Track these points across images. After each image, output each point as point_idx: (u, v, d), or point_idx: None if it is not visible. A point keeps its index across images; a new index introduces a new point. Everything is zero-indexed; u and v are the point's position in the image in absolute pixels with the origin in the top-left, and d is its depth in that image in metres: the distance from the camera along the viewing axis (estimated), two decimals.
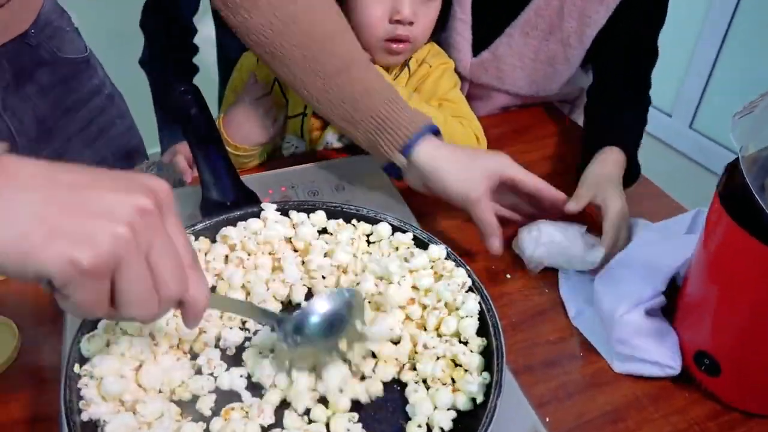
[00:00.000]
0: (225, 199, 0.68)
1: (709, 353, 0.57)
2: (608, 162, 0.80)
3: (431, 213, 0.80)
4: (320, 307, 0.52)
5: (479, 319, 0.57)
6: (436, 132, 0.71)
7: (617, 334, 0.61)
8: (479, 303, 0.57)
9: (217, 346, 0.55)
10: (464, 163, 0.69)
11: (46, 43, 0.83)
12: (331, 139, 0.94)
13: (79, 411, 0.47)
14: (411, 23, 0.82)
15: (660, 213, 0.76)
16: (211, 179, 0.69)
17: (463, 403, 0.51)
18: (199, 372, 0.53)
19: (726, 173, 0.54)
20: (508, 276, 0.73)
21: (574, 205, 0.73)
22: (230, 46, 1.13)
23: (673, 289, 0.64)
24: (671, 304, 0.63)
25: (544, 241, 0.71)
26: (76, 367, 0.49)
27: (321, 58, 0.69)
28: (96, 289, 0.35)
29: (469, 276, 0.59)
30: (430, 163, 0.69)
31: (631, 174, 0.83)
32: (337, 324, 0.52)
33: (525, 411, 0.54)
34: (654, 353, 0.60)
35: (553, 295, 0.71)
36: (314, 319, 0.52)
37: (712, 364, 0.57)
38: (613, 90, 0.93)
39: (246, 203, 0.68)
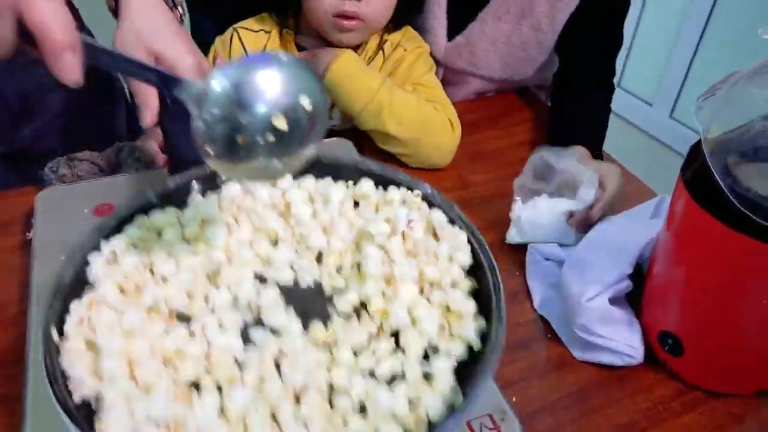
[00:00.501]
0: (191, 155, 0.63)
1: (673, 333, 0.58)
2: (583, 158, 0.82)
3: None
4: (257, 82, 0.40)
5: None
6: None
7: (580, 320, 0.61)
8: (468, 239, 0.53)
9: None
10: None
11: None
12: None
13: (70, 393, 0.42)
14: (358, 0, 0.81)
15: (635, 199, 0.76)
16: (176, 136, 0.64)
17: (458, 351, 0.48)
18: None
19: (689, 155, 0.54)
20: None
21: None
22: (204, 29, 1.12)
23: (639, 274, 0.64)
24: (637, 289, 0.64)
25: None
26: (55, 335, 0.44)
27: None
28: None
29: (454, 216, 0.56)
30: None
31: None
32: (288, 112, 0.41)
33: (491, 391, 0.54)
34: (615, 342, 0.60)
35: (523, 278, 0.71)
36: (247, 97, 0.40)
37: (676, 344, 0.58)
38: (579, 76, 0.94)
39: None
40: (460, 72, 1.02)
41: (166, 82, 0.41)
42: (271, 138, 0.41)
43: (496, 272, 0.50)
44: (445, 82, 1.00)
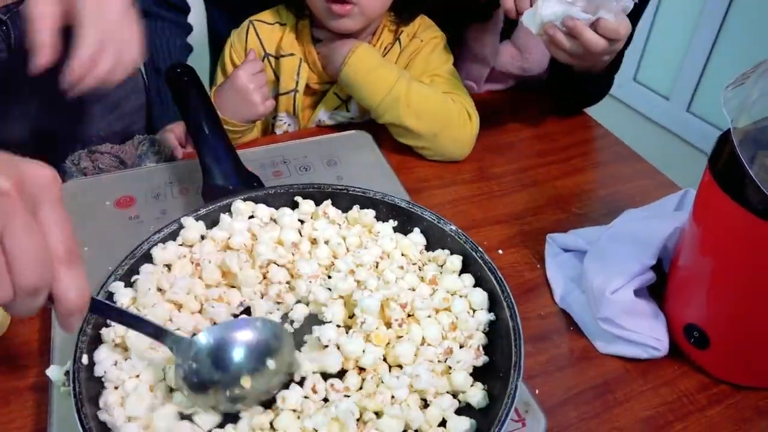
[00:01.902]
0: (227, 183, 0.67)
1: (699, 326, 0.58)
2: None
3: (424, 188, 0.80)
4: (241, 336, 0.50)
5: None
6: None
7: (604, 313, 0.60)
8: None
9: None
10: None
11: None
12: (323, 116, 0.93)
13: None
14: None
15: (655, 193, 0.76)
16: (211, 163, 0.68)
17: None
18: None
19: (717, 146, 0.54)
20: (500, 252, 0.73)
21: None
22: (220, 22, 1.12)
23: (660, 267, 0.64)
24: (660, 281, 0.63)
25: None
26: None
27: None
28: None
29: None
30: None
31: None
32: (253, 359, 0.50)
33: None
34: (640, 334, 0.60)
35: (544, 271, 0.71)
36: (222, 357, 0.49)
37: (701, 337, 0.58)
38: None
39: (248, 187, 0.67)
40: (512, 76, 1.03)
41: (160, 335, 0.48)
42: (237, 391, 0.49)
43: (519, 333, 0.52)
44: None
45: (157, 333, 0.48)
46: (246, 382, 0.49)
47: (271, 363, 0.50)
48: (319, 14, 0.84)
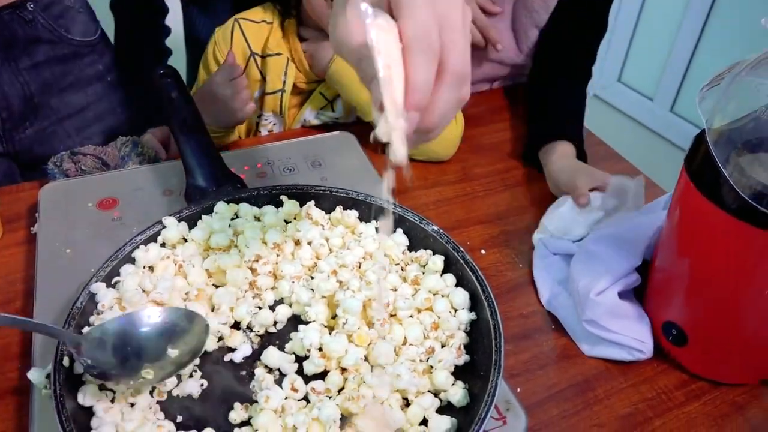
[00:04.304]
0: (210, 185, 0.68)
1: (677, 323, 0.58)
2: (567, 155, 0.82)
3: (408, 189, 0.80)
4: (143, 326, 0.50)
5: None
6: None
7: (588, 315, 0.61)
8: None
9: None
10: None
11: (47, 21, 0.81)
12: (309, 116, 0.93)
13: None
14: None
15: (646, 198, 0.76)
16: (194, 165, 0.68)
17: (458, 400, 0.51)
18: None
19: (693, 146, 0.54)
20: (483, 252, 0.73)
21: (584, 200, 0.74)
22: (199, 25, 1.12)
23: (645, 266, 0.64)
24: (643, 281, 0.64)
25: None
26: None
27: None
28: None
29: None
30: None
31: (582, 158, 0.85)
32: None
33: None
34: (624, 336, 0.60)
35: (526, 270, 0.72)
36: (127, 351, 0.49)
37: (679, 335, 0.59)
38: (560, 65, 0.94)
39: (231, 188, 0.67)
40: (476, 52, 1.02)
41: (56, 334, 0.48)
42: (140, 379, 0.48)
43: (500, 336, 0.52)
44: None
45: (52, 333, 0.48)
46: (148, 374, 0.48)
47: (172, 351, 0.50)
48: (323, 21, 0.83)
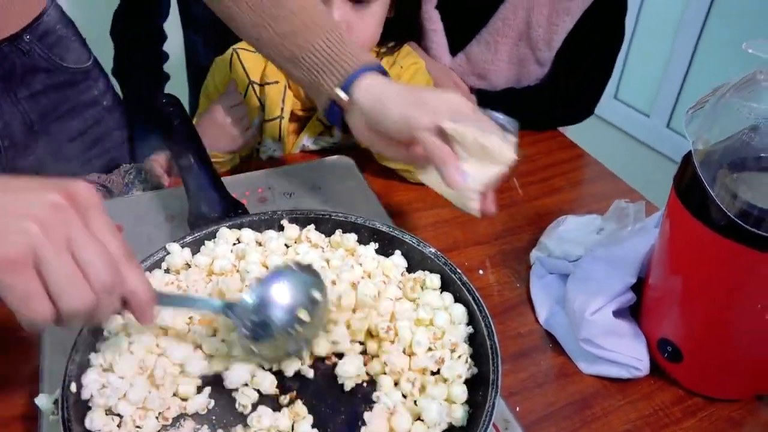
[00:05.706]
0: (212, 212, 0.69)
1: (671, 341, 0.59)
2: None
3: (405, 212, 0.82)
4: (280, 290, 0.53)
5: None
6: (383, 73, 0.66)
7: (584, 334, 0.61)
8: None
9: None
10: (413, 97, 0.61)
11: (43, 51, 0.83)
12: (308, 141, 0.95)
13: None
14: None
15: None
16: (197, 191, 0.69)
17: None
18: None
19: (681, 166, 0.56)
20: (481, 272, 0.75)
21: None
22: (200, 52, 1.14)
23: (640, 283, 0.65)
24: (638, 298, 0.65)
25: None
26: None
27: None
28: (24, 282, 0.37)
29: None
30: (372, 97, 0.62)
31: None
32: (297, 306, 0.53)
33: None
34: (620, 354, 0.61)
35: (524, 289, 0.73)
36: (275, 303, 0.52)
37: (675, 351, 0.59)
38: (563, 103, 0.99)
39: (233, 214, 0.69)
40: (467, 84, 1.04)
41: (216, 308, 0.53)
42: (299, 328, 0.52)
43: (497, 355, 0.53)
44: None
45: (211, 306, 0.53)
46: (303, 314, 0.52)
47: (315, 293, 0.54)
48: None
